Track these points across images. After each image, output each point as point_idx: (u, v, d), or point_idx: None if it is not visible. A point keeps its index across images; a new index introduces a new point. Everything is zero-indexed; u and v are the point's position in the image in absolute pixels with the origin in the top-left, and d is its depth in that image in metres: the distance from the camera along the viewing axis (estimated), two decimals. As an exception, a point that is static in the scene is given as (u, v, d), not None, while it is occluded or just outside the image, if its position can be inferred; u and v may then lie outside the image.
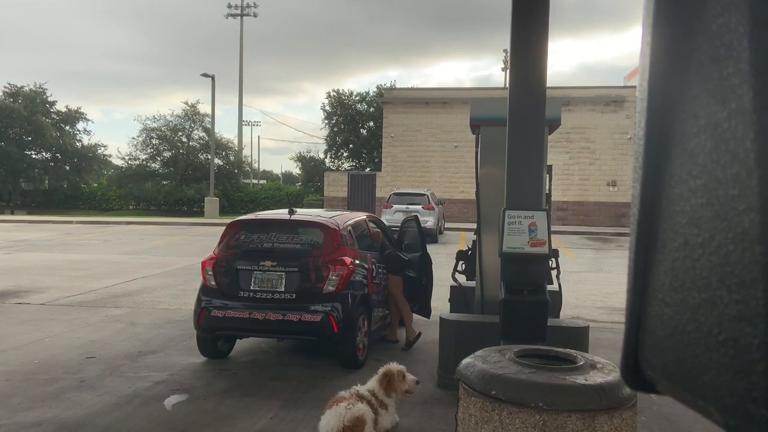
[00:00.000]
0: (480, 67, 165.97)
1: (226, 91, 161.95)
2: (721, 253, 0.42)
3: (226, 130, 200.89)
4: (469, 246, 6.95)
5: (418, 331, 7.15)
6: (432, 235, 20.12)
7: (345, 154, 39.62)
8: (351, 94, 39.78)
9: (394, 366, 4.90)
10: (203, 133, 36.94)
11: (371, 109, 38.28)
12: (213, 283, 6.39)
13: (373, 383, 4.77)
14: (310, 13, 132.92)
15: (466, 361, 3.37)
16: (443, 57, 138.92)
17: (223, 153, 37.10)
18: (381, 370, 4.86)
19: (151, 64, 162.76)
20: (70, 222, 26.65)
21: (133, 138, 36.79)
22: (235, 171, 38.20)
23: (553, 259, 6.12)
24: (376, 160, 34.78)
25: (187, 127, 36.93)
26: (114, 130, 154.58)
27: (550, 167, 6.70)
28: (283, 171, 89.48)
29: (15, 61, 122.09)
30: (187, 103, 39.26)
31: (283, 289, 6.18)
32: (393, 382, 4.78)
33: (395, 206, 20.64)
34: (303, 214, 7.17)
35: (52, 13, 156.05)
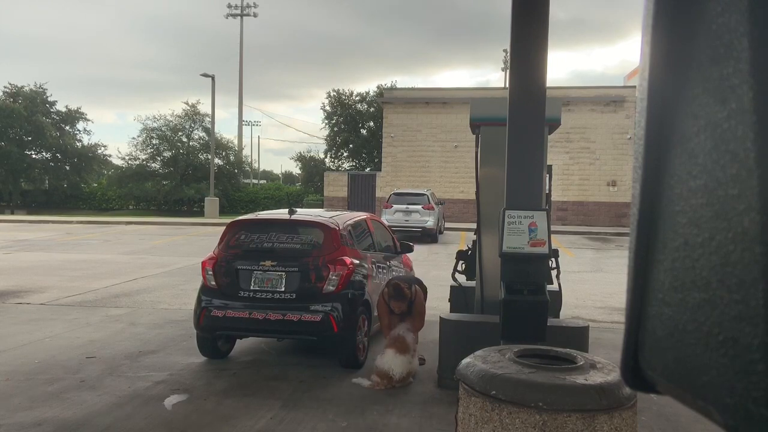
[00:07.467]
0: (479, 74, 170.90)
1: (234, 94, 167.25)
2: (721, 253, 0.42)
3: (228, 130, 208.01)
4: (469, 246, 6.94)
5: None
6: (432, 235, 20.13)
7: (345, 154, 39.51)
8: (351, 94, 39.62)
9: None
10: (203, 133, 36.91)
11: (371, 109, 38.17)
12: (213, 283, 6.39)
13: None
14: (320, 28, 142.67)
15: (466, 361, 3.37)
16: (445, 66, 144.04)
17: (223, 153, 37.07)
18: None
19: (172, 73, 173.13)
20: (70, 222, 26.65)
21: (133, 138, 36.82)
22: (235, 171, 38.16)
23: (553, 259, 6.11)
24: (376, 160, 34.75)
25: (187, 127, 36.91)
26: (126, 132, 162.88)
27: (550, 167, 6.71)
28: (284, 171, 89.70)
29: (58, 70, 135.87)
30: (187, 103, 39.23)
31: (283, 289, 6.18)
32: None
33: (395, 206, 20.63)
34: (303, 214, 7.17)
35: (102, 32, 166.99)
